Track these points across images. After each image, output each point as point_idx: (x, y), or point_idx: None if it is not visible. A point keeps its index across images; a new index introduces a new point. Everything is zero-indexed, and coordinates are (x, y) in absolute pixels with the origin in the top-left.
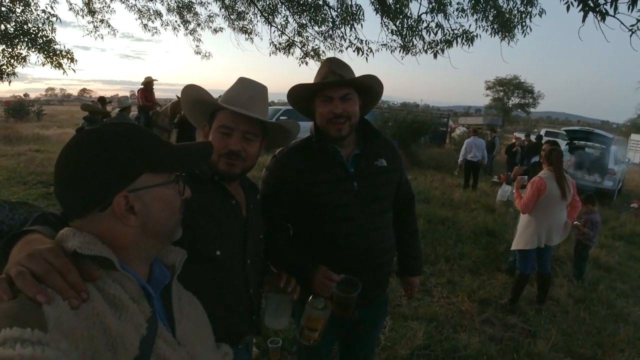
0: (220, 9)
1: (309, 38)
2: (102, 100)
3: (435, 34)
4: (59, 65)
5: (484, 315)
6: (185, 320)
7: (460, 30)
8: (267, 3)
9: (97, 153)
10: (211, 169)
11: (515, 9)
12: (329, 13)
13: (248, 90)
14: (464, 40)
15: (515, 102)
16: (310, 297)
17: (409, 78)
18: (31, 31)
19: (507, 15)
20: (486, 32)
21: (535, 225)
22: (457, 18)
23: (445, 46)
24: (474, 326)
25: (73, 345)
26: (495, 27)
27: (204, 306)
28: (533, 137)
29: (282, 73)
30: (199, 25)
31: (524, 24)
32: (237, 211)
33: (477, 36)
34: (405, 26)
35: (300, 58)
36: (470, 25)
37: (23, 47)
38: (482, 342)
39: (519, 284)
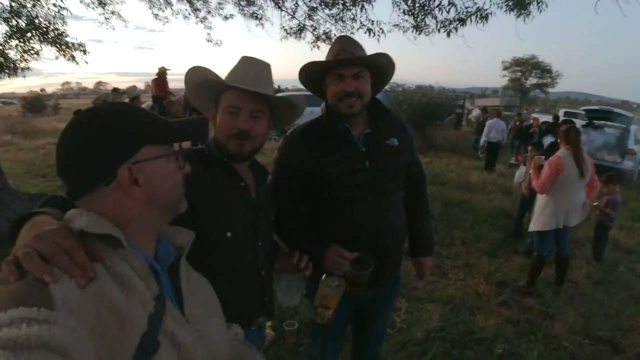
0: None
1: (320, 21)
2: (115, 91)
3: (448, 12)
4: (72, 58)
5: (500, 298)
6: (194, 299)
7: (474, 7)
8: None
9: (97, 129)
10: (220, 151)
11: None
12: None
13: (252, 68)
14: (478, 18)
15: (533, 83)
16: (324, 276)
17: (423, 60)
18: (42, 25)
19: None
20: (501, 9)
21: (553, 206)
22: None
23: (458, 24)
24: (490, 308)
25: (81, 323)
26: (510, 3)
27: (215, 288)
28: (538, 118)
29: (293, 58)
30: (209, 12)
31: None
32: (246, 193)
33: (491, 13)
34: (417, 5)
35: (311, 42)
36: (484, 3)
37: (35, 42)
38: (499, 324)
39: (537, 266)
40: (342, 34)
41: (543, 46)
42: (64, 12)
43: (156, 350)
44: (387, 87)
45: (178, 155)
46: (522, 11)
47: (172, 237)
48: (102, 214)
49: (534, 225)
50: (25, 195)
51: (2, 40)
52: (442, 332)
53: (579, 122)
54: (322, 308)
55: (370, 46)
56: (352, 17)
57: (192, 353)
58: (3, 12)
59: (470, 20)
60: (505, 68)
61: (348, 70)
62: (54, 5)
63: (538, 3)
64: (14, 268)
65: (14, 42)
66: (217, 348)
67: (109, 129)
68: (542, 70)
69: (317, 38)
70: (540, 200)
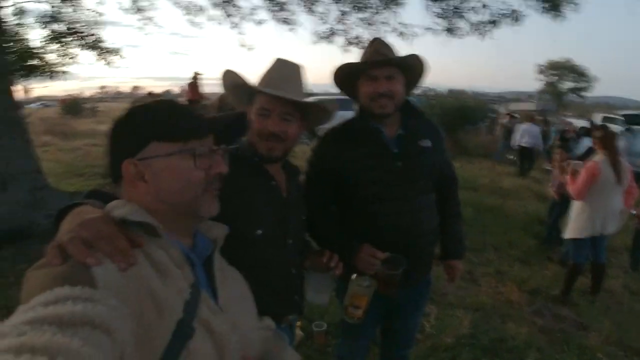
0: (262, 1)
1: (351, 25)
2: (151, 94)
3: (481, 15)
4: (109, 62)
5: (533, 306)
6: (228, 290)
7: (508, 9)
8: None
9: (115, 128)
10: (252, 151)
11: None
12: None
13: (283, 70)
14: (511, 20)
15: (569, 87)
16: (354, 275)
17: (455, 64)
18: (81, 30)
19: None
20: (535, 10)
21: (589, 212)
22: None
23: (492, 26)
24: (522, 317)
25: (121, 304)
26: (544, 5)
27: None
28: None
29: (324, 63)
30: (242, 18)
31: (573, 1)
32: (277, 192)
33: (525, 15)
34: (449, 8)
35: (342, 46)
36: (518, 5)
37: (74, 46)
38: (531, 333)
39: (572, 275)
40: (374, 37)
41: (579, 49)
42: (102, 18)
43: (191, 336)
44: (418, 90)
45: (197, 153)
46: (556, 13)
47: (207, 231)
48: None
49: (569, 232)
50: (64, 194)
51: (42, 44)
52: (472, 339)
53: (617, 128)
54: (353, 307)
55: (402, 49)
56: (383, 20)
57: (225, 340)
58: (43, 16)
59: (504, 23)
60: (540, 71)
61: (381, 72)
62: (93, 11)
63: (572, 4)
64: (58, 252)
65: (53, 46)
66: (249, 337)
67: (122, 126)
68: (578, 73)
69: (348, 42)
70: (576, 206)
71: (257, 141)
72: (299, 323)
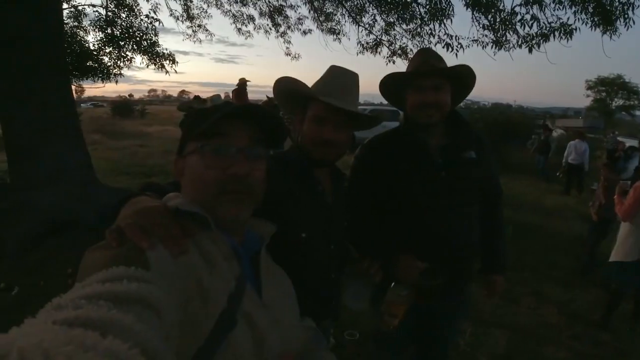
0: (309, 11)
1: (397, 36)
2: (197, 98)
3: (531, 27)
4: (162, 67)
5: (572, 330)
6: (272, 286)
7: (558, 23)
8: (355, 3)
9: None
10: (301, 155)
11: (617, 0)
12: (418, 10)
13: (340, 79)
14: (561, 34)
15: (619, 104)
16: (393, 284)
17: (501, 77)
18: (136, 35)
19: (608, 7)
20: (586, 25)
21: (637, 235)
22: (554, 10)
23: (541, 40)
24: (561, 340)
25: (171, 288)
26: (596, 19)
27: None
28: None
29: (369, 73)
30: (289, 27)
31: (626, 16)
32: (322, 197)
33: (576, 29)
34: (497, 20)
35: (387, 57)
36: (568, 18)
37: (129, 50)
38: (569, 358)
39: (614, 300)
40: (419, 48)
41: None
42: (157, 24)
43: (233, 328)
44: (461, 104)
45: (205, 150)
46: (608, 27)
47: (256, 228)
48: None
49: (614, 256)
50: (110, 190)
51: (97, 47)
52: (508, 359)
53: None
54: (389, 316)
55: (449, 61)
56: (429, 31)
57: (266, 335)
58: (99, 20)
59: (554, 36)
60: (589, 87)
61: (428, 82)
62: (147, 16)
63: (625, 19)
64: (116, 235)
65: (108, 49)
66: (290, 334)
67: (185, 126)
68: (629, 91)
69: (393, 53)
70: (624, 228)
71: (311, 147)
72: (331, 330)
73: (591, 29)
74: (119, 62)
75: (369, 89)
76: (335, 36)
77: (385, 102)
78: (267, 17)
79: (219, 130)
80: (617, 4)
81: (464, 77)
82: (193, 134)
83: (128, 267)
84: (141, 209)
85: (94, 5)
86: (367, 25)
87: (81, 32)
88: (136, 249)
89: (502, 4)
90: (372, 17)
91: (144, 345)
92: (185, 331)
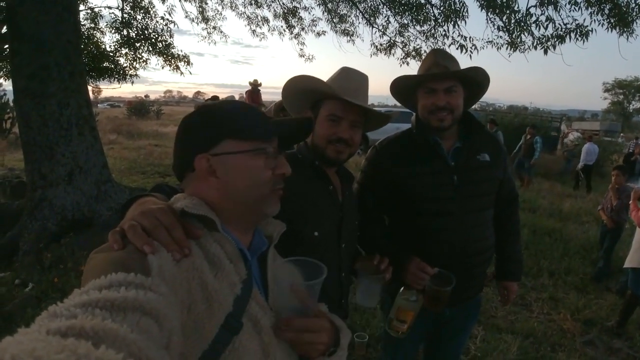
0: (323, 13)
1: (410, 38)
2: (215, 98)
3: (546, 29)
4: (177, 68)
5: (587, 336)
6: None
7: (574, 24)
8: (369, 5)
9: (190, 121)
10: (314, 154)
11: (633, 1)
12: (431, 11)
13: (354, 80)
14: (577, 36)
15: (637, 107)
16: (402, 289)
17: (516, 79)
18: (151, 36)
19: (625, 8)
20: (602, 26)
21: None
22: (570, 11)
23: (557, 42)
24: (574, 347)
25: (172, 292)
26: (612, 20)
27: None
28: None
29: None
30: (303, 29)
31: None
32: (334, 196)
33: (592, 31)
34: (512, 21)
35: (401, 58)
36: (584, 19)
37: (144, 51)
38: None
39: (630, 306)
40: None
41: None
42: (172, 26)
43: (239, 331)
44: (476, 106)
45: (268, 153)
46: (625, 29)
47: (264, 227)
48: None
49: (629, 262)
50: (126, 189)
51: (113, 48)
52: None
53: None
54: (398, 321)
55: (463, 63)
56: (443, 33)
57: (273, 339)
58: (115, 22)
59: (570, 38)
60: (607, 90)
61: (440, 84)
62: (162, 18)
63: None
64: (118, 238)
65: (124, 51)
66: None
67: (196, 122)
68: None
69: (407, 54)
70: (638, 234)
71: (325, 145)
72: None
73: (607, 31)
74: (134, 63)
75: (384, 91)
76: (349, 37)
77: (399, 104)
78: (281, 18)
79: None
80: (633, 5)
81: (477, 79)
82: (239, 134)
83: (127, 274)
84: (145, 210)
85: (110, 7)
86: (380, 27)
87: (97, 34)
88: (137, 253)
89: (517, 5)
90: (386, 19)
91: (138, 355)
92: (190, 335)
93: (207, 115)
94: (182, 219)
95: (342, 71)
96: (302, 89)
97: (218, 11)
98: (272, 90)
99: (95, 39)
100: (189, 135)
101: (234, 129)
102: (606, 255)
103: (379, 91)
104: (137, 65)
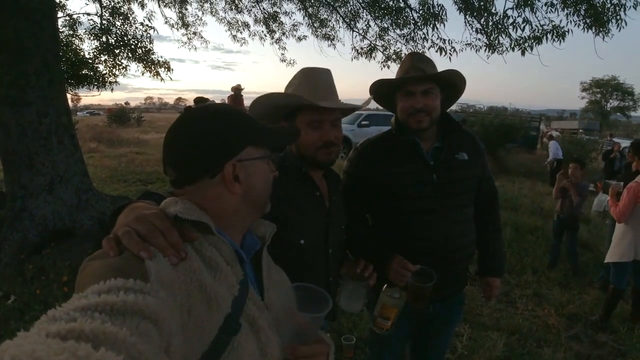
0: (304, 18)
1: (391, 41)
2: (201, 100)
3: (523, 30)
4: (157, 74)
5: (571, 331)
6: (274, 288)
7: (550, 25)
8: (349, 9)
9: (210, 125)
10: (301, 161)
11: (609, 1)
12: (411, 15)
13: (320, 79)
14: (554, 37)
15: (614, 105)
16: (385, 286)
17: (496, 81)
18: (131, 42)
19: (600, 8)
20: (578, 27)
21: (632, 236)
22: (547, 13)
23: (534, 43)
24: (559, 342)
25: (172, 296)
26: (588, 21)
27: None
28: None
29: (364, 78)
30: (284, 34)
31: (618, 17)
32: (320, 202)
33: (568, 31)
34: (490, 23)
35: (382, 62)
36: (560, 20)
37: (124, 57)
38: (567, 359)
39: (612, 300)
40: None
41: (625, 67)
42: (151, 32)
43: (237, 332)
44: (457, 107)
45: (271, 158)
46: (601, 29)
47: (256, 229)
48: (201, 204)
49: (610, 256)
50: (107, 197)
51: (93, 55)
52: None
53: None
54: (381, 318)
55: (442, 65)
56: (423, 36)
57: (269, 338)
58: (93, 29)
59: (546, 39)
60: (584, 89)
61: (417, 87)
62: (141, 24)
63: (617, 20)
64: (113, 244)
65: (103, 57)
66: None
67: (219, 127)
68: (624, 92)
69: (388, 58)
70: (619, 229)
71: (313, 152)
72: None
73: (584, 31)
74: (114, 70)
75: (365, 94)
76: (330, 42)
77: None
78: (261, 23)
79: None
80: (608, 5)
81: (453, 81)
82: (258, 141)
83: (126, 280)
84: (139, 215)
85: (88, 14)
86: (361, 31)
87: (76, 41)
88: (134, 259)
89: (494, 8)
90: (366, 23)
91: (138, 358)
92: (190, 337)
93: (226, 121)
94: (177, 224)
95: (304, 74)
96: (273, 106)
97: (198, 17)
98: (255, 95)
99: (74, 46)
100: (208, 141)
101: (256, 136)
102: (572, 252)
103: (360, 94)
104: (117, 72)
